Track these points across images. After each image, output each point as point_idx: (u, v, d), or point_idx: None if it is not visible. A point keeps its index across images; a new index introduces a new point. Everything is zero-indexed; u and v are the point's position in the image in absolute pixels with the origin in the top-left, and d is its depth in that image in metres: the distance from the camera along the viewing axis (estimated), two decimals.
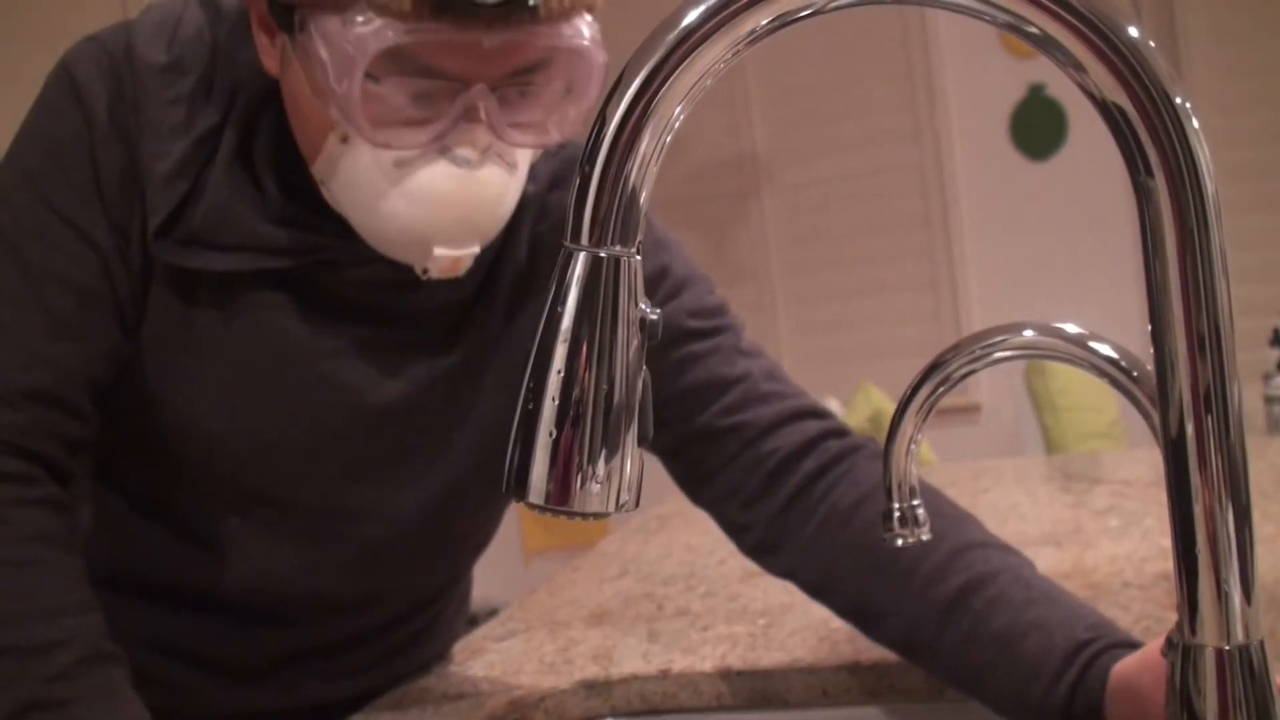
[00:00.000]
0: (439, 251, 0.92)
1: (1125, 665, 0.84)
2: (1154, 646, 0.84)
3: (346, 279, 0.99)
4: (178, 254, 0.95)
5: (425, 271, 0.94)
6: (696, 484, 1.08)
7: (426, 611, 1.19)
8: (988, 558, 0.95)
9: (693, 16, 0.47)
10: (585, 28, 0.89)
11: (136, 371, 0.98)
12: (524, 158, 0.95)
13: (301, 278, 0.98)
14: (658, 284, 1.06)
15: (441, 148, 0.89)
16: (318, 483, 1.03)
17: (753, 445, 1.05)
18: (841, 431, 1.07)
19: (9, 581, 0.90)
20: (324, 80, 0.87)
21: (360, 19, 0.85)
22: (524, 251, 1.04)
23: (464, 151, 0.90)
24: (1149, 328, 0.51)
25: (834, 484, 1.03)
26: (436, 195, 0.90)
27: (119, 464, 1.05)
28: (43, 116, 0.96)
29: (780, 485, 1.04)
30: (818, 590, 1.05)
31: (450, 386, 1.02)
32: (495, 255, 1.03)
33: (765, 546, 1.06)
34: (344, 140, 0.91)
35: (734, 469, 1.05)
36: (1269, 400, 2.97)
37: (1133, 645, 0.87)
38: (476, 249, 0.94)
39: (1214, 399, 0.50)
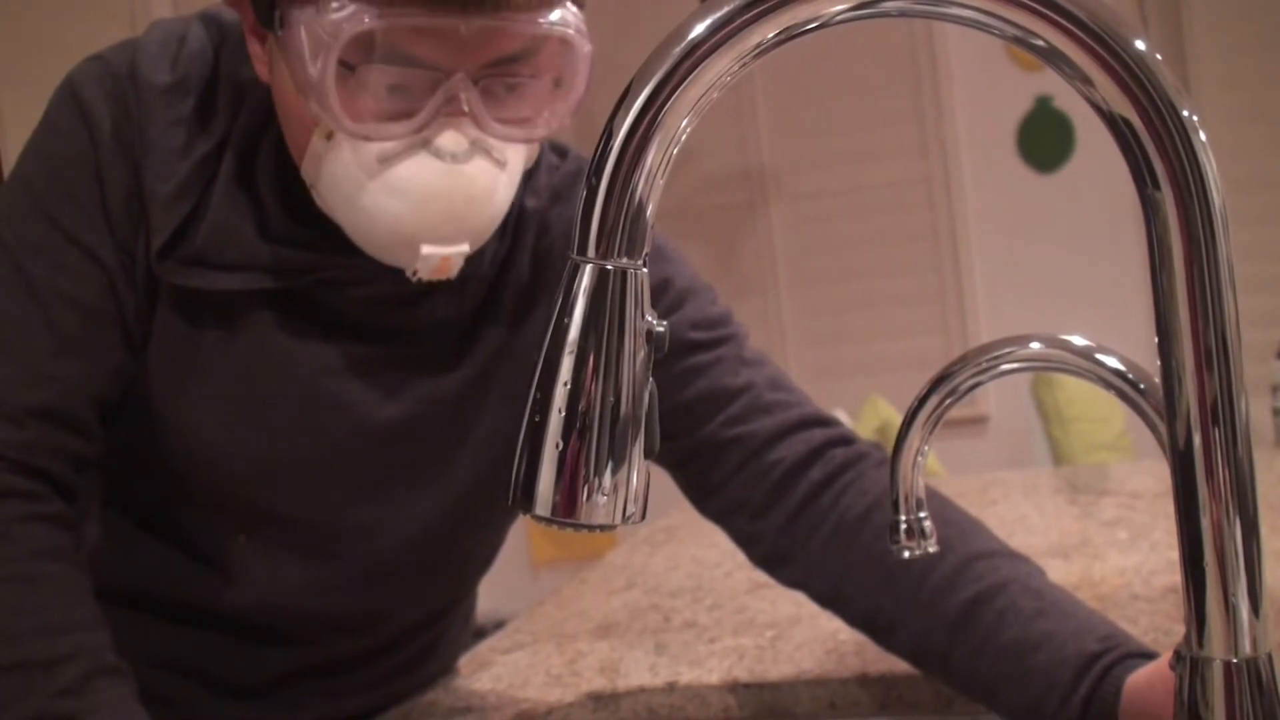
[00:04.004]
0: (426, 250, 0.89)
1: (1137, 678, 0.84)
2: (1165, 659, 0.84)
3: (349, 297, 0.98)
4: (180, 274, 0.95)
5: (415, 274, 0.91)
6: (704, 496, 1.08)
7: (431, 629, 1.19)
8: (996, 567, 0.95)
9: (700, 29, 0.47)
10: (568, 15, 0.88)
11: (141, 390, 0.98)
12: (515, 155, 0.92)
13: (304, 296, 0.98)
14: (660, 296, 1.05)
15: (423, 140, 0.87)
16: (322, 501, 1.03)
17: (757, 456, 1.04)
18: (847, 439, 1.06)
19: (15, 597, 0.90)
20: (302, 71, 0.86)
21: (335, 4, 0.84)
22: (527, 267, 1.04)
23: (447, 144, 0.87)
24: (1156, 340, 0.51)
25: (841, 493, 1.02)
26: (420, 189, 0.88)
27: (124, 481, 1.05)
28: (48, 135, 0.96)
29: (787, 496, 1.04)
30: (828, 601, 1.05)
31: (454, 403, 1.02)
32: (498, 270, 1.03)
33: (775, 558, 1.06)
34: (328, 138, 0.90)
35: (740, 481, 1.05)
36: (1278, 413, 2.95)
37: (1145, 654, 0.86)
38: (466, 248, 0.91)
39: (1221, 411, 0.50)
